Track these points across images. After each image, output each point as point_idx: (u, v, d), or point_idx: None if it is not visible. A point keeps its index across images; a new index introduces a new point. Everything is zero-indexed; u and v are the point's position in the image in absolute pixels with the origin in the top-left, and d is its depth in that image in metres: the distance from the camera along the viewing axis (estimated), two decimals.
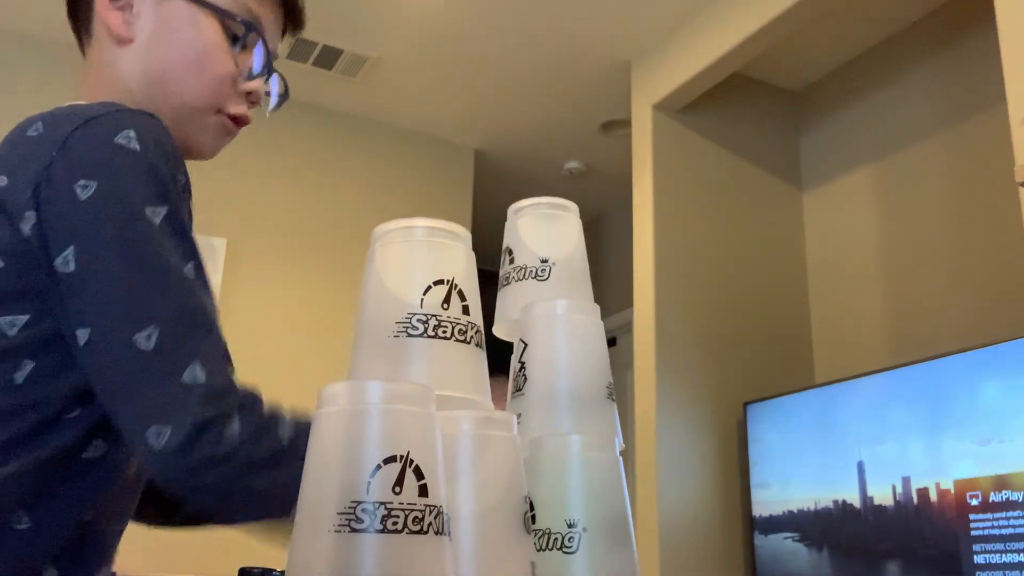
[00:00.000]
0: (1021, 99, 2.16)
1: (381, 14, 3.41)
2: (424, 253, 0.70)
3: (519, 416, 0.76)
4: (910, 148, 3.28)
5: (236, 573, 2.19)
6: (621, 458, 0.75)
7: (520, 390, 0.78)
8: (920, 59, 3.29)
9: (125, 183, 0.77)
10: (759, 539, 3.10)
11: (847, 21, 3.36)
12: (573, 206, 0.89)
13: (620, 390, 4.61)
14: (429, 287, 0.67)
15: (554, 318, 0.79)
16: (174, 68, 0.93)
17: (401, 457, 0.53)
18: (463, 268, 0.71)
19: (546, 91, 3.88)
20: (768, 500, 3.09)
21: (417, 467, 0.53)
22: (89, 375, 0.77)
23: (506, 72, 3.76)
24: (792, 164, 3.74)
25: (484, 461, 0.62)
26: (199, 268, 0.80)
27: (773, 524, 3.06)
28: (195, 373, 0.73)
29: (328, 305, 3.83)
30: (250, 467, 0.75)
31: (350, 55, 3.65)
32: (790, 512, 3.00)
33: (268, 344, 3.59)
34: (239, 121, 0.97)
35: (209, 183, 3.76)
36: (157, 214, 0.77)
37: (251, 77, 0.97)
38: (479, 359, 0.69)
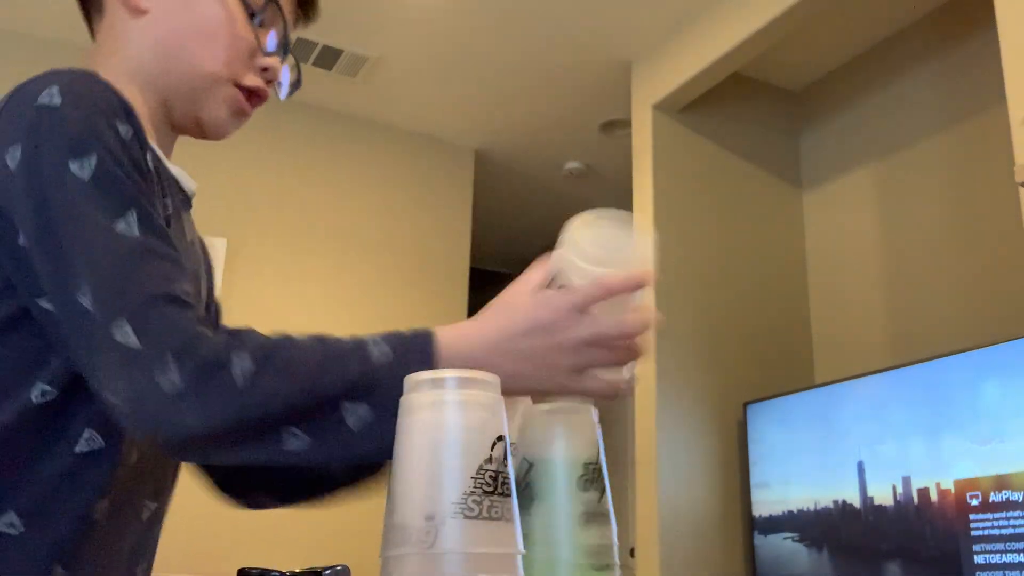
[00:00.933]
0: (1021, 99, 2.16)
1: (381, 14, 3.41)
2: None
3: None
4: (910, 148, 3.28)
5: (235, 574, 2.19)
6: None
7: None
8: (920, 59, 3.29)
9: (45, 144, 0.74)
10: (759, 539, 3.10)
11: (847, 21, 3.36)
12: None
13: None
14: None
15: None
16: (192, 38, 0.92)
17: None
18: None
19: (546, 91, 3.88)
20: (768, 500, 3.09)
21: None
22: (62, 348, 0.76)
23: (506, 72, 3.76)
24: (792, 164, 3.75)
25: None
26: (142, 218, 0.75)
27: (773, 524, 3.06)
28: (124, 331, 0.69)
29: (328, 305, 3.83)
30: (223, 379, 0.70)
31: (350, 55, 3.65)
32: (790, 512, 3.00)
33: None
34: (254, 96, 0.96)
35: (209, 183, 3.77)
36: (84, 168, 0.74)
37: (269, 53, 0.96)
38: None
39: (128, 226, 0.74)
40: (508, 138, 4.28)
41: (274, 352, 0.71)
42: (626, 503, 4.28)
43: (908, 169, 3.27)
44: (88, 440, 0.79)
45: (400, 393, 0.64)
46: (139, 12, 0.92)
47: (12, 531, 0.75)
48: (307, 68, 3.70)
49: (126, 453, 0.83)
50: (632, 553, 3.87)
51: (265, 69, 0.96)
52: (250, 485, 1.03)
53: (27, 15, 3.38)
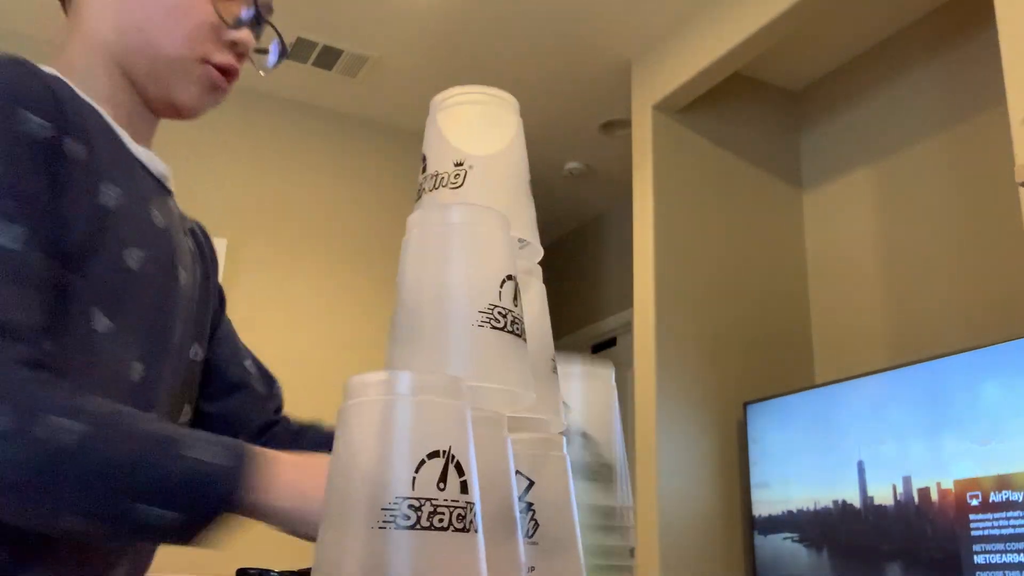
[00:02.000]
0: (1021, 99, 2.16)
1: (381, 14, 3.41)
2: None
3: None
4: (910, 148, 3.28)
5: (234, 574, 2.19)
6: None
7: None
8: (920, 59, 3.29)
9: None
10: (759, 539, 3.10)
11: (847, 21, 3.36)
12: (510, 97, 0.72)
13: (620, 390, 4.60)
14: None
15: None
16: (149, 17, 0.88)
17: (444, 452, 0.51)
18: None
19: (546, 91, 3.88)
20: (768, 500, 3.09)
21: (458, 463, 0.52)
22: None
23: (506, 72, 3.76)
24: (792, 164, 3.75)
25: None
26: (22, 232, 0.72)
27: (773, 524, 3.05)
28: None
29: (328, 304, 3.83)
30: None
31: (350, 55, 3.65)
32: (790, 512, 3.00)
33: (268, 344, 3.59)
34: (227, 73, 0.92)
35: (209, 183, 3.77)
36: None
37: (237, 26, 0.91)
38: (520, 348, 0.64)
39: None
40: None
41: (107, 422, 0.68)
42: None
43: (908, 169, 3.27)
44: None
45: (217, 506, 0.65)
46: None
47: None
48: (307, 68, 3.71)
49: None
50: (632, 553, 3.86)
51: (235, 43, 0.91)
52: None
53: (27, 15, 3.38)
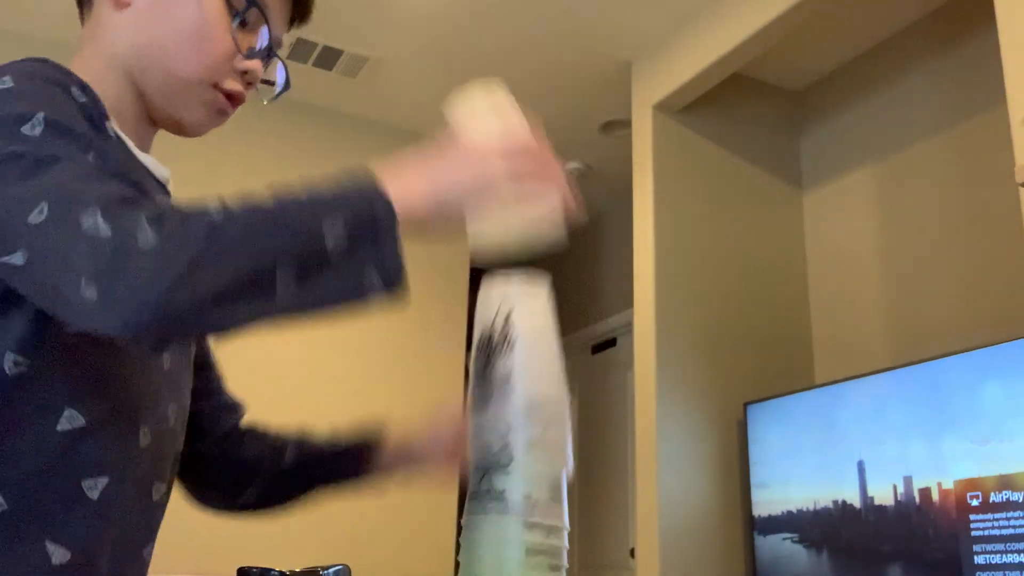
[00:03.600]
0: (1021, 99, 2.16)
1: (381, 14, 3.41)
2: None
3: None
4: (910, 148, 3.28)
5: (235, 573, 2.19)
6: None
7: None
8: (920, 59, 3.29)
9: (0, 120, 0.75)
10: (759, 539, 3.10)
11: (847, 21, 3.36)
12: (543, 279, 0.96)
13: (620, 390, 4.60)
14: None
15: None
16: (170, 38, 0.91)
17: None
18: None
19: (546, 91, 3.88)
20: (768, 500, 3.09)
21: None
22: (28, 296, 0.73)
23: (506, 72, 3.76)
24: (792, 164, 3.75)
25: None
26: (98, 159, 0.76)
27: (773, 524, 3.06)
28: (91, 221, 0.68)
29: None
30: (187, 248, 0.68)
31: (350, 55, 3.65)
32: (790, 512, 3.00)
33: (263, 346, 3.59)
34: (234, 99, 0.96)
35: (209, 185, 3.77)
36: (35, 128, 0.74)
37: (251, 56, 0.95)
38: None
39: (84, 159, 0.74)
40: None
41: (245, 202, 0.73)
42: (626, 503, 4.28)
43: (908, 169, 3.27)
44: (69, 419, 0.78)
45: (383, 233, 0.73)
46: (121, 5, 0.92)
47: None
48: (307, 68, 3.71)
49: (126, 432, 0.83)
50: (632, 553, 3.87)
51: (245, 72, 0.95)
52: (232, 486, 1.06)
53: (27, 15, 3.38)
